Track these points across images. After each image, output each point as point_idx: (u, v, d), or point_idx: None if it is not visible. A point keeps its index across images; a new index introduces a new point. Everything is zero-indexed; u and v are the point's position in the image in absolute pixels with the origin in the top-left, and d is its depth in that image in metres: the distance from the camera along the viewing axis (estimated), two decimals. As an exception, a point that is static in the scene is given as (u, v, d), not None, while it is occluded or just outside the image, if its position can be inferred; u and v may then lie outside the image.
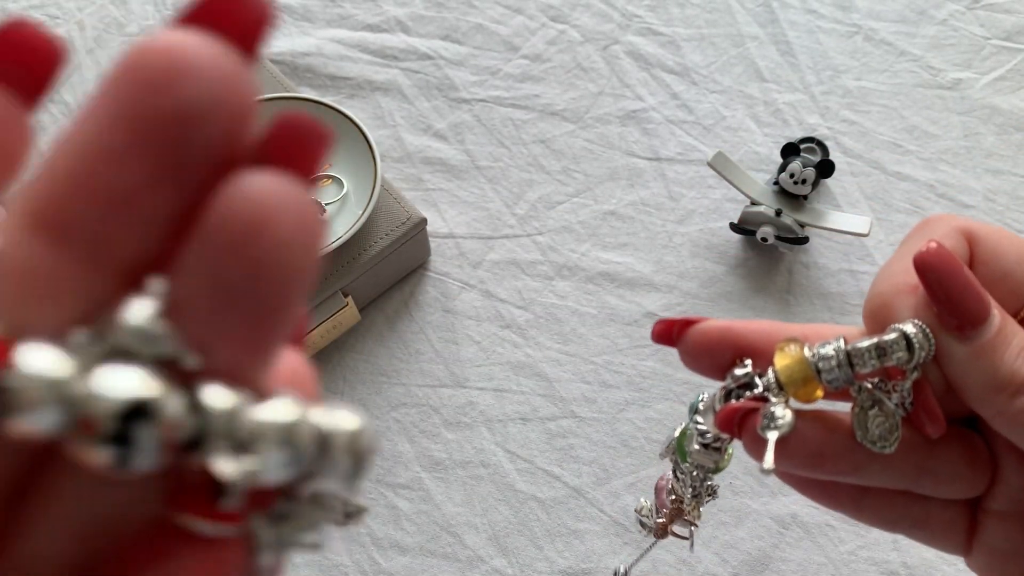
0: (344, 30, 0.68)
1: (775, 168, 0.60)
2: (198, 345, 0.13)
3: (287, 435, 0.13)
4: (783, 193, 0.58)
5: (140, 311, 0.12)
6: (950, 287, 0.25)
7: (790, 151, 0.60)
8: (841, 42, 0.67)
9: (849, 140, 0.63)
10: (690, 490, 0.33)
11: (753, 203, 0.58)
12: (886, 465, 0.27)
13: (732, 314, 0.58)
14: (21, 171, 0.14)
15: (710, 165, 0.59)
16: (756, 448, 0.27)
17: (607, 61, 0.67)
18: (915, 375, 0.26)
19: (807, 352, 0.27)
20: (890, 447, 0.27)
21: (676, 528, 0.35)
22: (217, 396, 0.13)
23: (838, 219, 0.57)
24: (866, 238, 0.57)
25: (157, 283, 0.13)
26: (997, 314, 0.26)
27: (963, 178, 0.62)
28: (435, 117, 0.65)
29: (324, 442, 0.13)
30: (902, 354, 0.26)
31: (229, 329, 0.13)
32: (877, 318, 0.27)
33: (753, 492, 0.53)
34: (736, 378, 0.28)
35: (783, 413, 0.27)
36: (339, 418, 0.13)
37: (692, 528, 0.34)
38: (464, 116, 0.65)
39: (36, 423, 0.11)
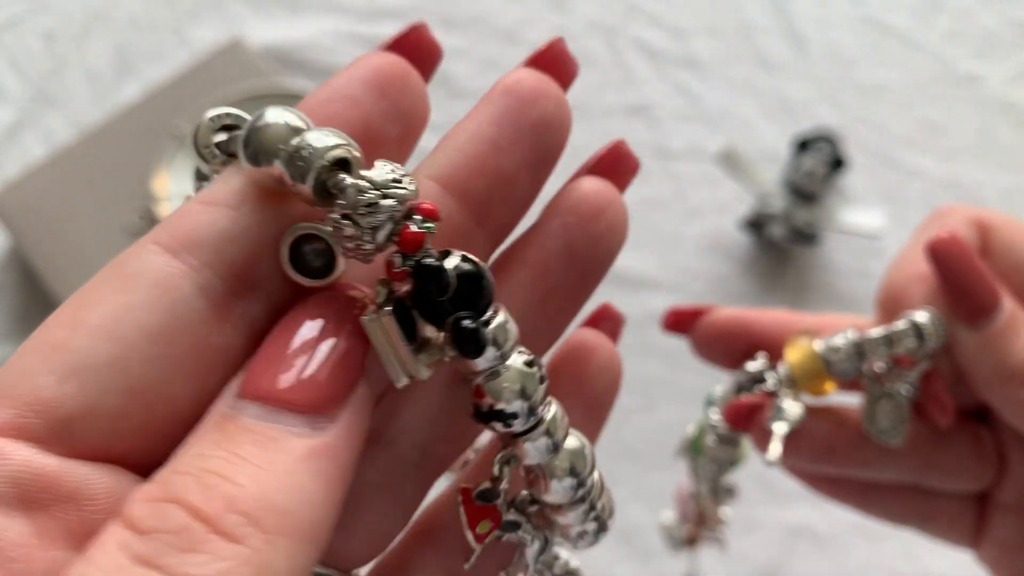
0: (337, 19, 0.66)
1: (784, 163, 0.58)
2: (542, 291, 0.18)
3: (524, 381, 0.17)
4: (794, 190, 0.56)
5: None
6: (961, 275, 0.26)
7: (801, 146, 0.58)
8: (852, 34, 0.65)
9: (862, 135, 0.61)
10: (707, 484, 0.32)
11: (763, 200, 0.56)
12: (894, 459, 0.28)
13: (741, 316, 0.56)
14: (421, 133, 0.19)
15: (719, 160, 0.57)
16: (764, 442, 0.27)
17: (611, 53, 0.64)
18: (925, 364, 0.27)
19: (818, 346, 0.27)
20: (898, 438, 0.27)
21: (705, 533, 0.34)
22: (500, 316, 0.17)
23: (851, 218, 0.55)
24: (881, 236, 0.56)
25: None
26: (1007, 304, 0.26)
27: (979, 175, 0.60)
28: (432, 110, 0.62)
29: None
30: (912, 343, 0.26)
31: (568, 281, 0.18)
32: (889, 307, 0.28)
33: (762, 501, 0.51)
34: (748, 372, 0.28)
35: (792, 406, 0.27)
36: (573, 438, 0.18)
37: (720, 529, 0.34)
38: (462, 109, 0.62)
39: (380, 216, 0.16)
